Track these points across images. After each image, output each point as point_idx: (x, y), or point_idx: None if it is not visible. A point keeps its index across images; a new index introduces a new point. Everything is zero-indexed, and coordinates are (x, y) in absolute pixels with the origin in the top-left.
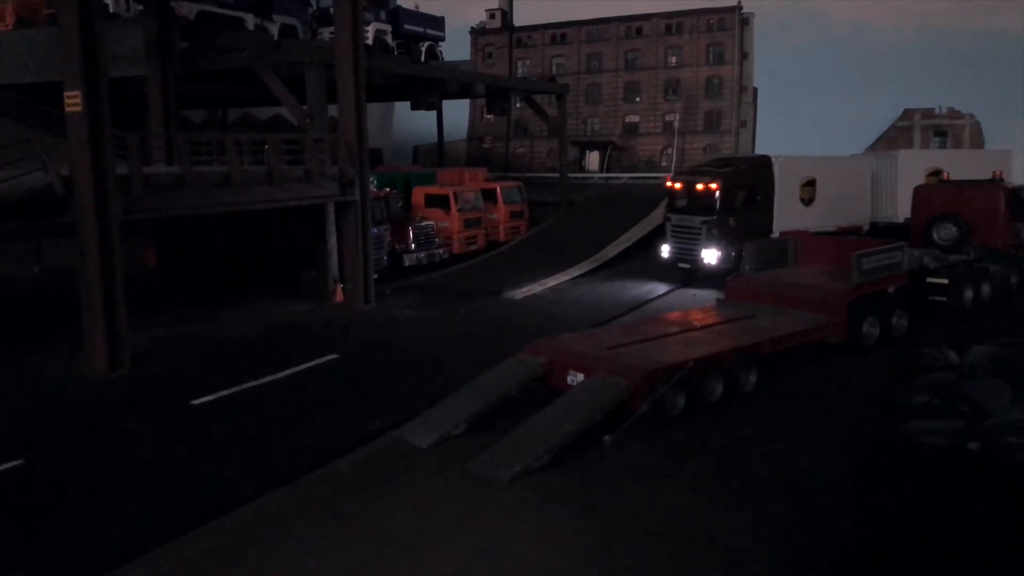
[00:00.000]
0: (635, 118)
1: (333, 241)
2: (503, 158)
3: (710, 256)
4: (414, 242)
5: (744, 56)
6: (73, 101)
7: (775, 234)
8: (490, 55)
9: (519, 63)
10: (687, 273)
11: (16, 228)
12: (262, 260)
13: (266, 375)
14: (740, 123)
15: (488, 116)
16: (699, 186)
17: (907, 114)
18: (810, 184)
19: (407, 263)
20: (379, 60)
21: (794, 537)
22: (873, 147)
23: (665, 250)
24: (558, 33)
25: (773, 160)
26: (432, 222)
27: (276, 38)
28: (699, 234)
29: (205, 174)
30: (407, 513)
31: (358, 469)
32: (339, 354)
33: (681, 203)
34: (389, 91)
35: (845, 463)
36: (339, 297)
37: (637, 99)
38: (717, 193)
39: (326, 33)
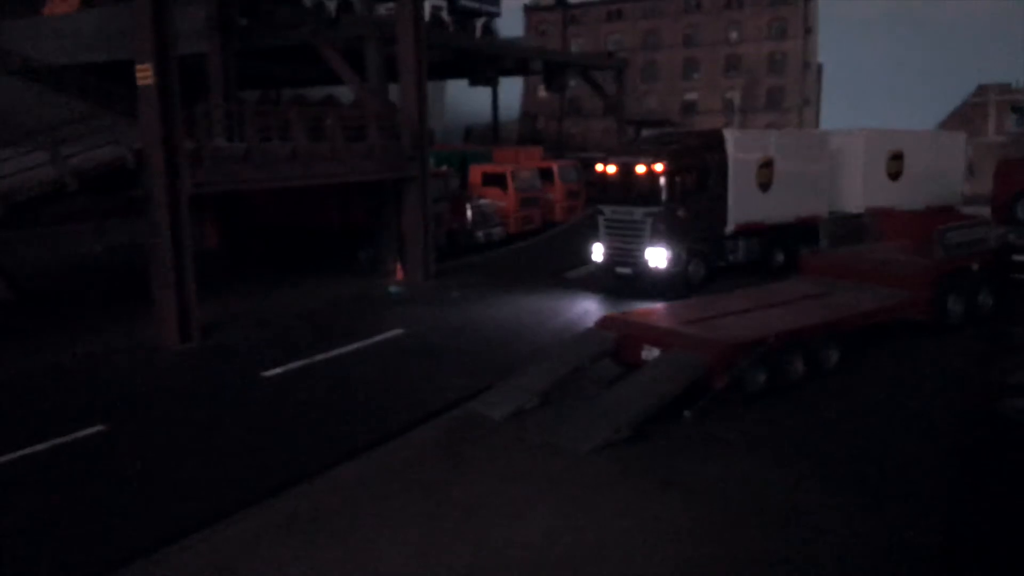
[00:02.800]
0: (694, 96)
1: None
2: (556, 138)
3: (657, 258)
4: (471, 220)
5: (808, 31)
6: (144, 74)
7: (729, 227)
8: (544, 32)
9: (573, 40)
10: (626, 280)
11: (89, 203)
12: (321, 238)
13: (333, 349)
14: (803, 100)
15: (541, 95)
16: (639, 168)
17: (981, 90)
18: (767, 165)
19: (464, 242)
20: (439, 34)
21: (885, 515)
22: (944, 125)
23: (598, 251)
24: (614, 9)
25: (726, 135)
26: (489, 201)
27: (334, 14)
28: (642, 230)
29: (271, 149)
30: (488, 484)
31: (435, 440)
32: (404, 329)
33: (617, 190)
34: (445, 68)
35: (935, 442)
36: (399, 274)
37: (696, 76)
38: (662, 177)
39: (382, 9)
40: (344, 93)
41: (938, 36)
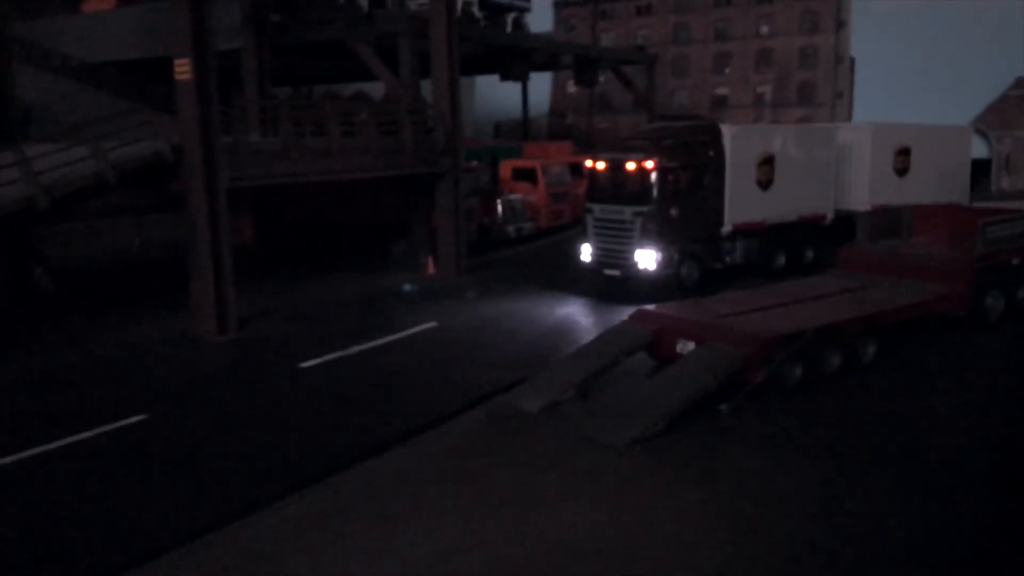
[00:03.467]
0: (724, 90)
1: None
2: (585, 133)
3: (646, 259)
4: (502, 216)
5: (840, 24)
6: (183, 69)
7: (726, 228)
8: (573, 27)
9: (603, 35)
10: (615, 282)
11: (127, 198)
12: (354, 233)
13: (368, 341)
14: (836, 94)
15: (570, 90)
16: (630, 165)
17: (1020, 83)
18: (767, 162)
19: (495, 237)
20: (471, 30)
21: (930, 507)
22: (981, 119)
23: (586, 251)
24: (644, 3)
25: (723, 130)
26: (520, 196)
27: (367, 10)
28: (631, 230)
29: (306, 144)
30: (525, 475)
31: (471, 432)
32: (438, 322)
33: (606, 189)
34: (476, 63)
35: (973, 437)
36: (431, 269)
37: (726, 71)
38: (654, 174)
39: (414, 4)
40: (375, 89)
41: (975, 28)
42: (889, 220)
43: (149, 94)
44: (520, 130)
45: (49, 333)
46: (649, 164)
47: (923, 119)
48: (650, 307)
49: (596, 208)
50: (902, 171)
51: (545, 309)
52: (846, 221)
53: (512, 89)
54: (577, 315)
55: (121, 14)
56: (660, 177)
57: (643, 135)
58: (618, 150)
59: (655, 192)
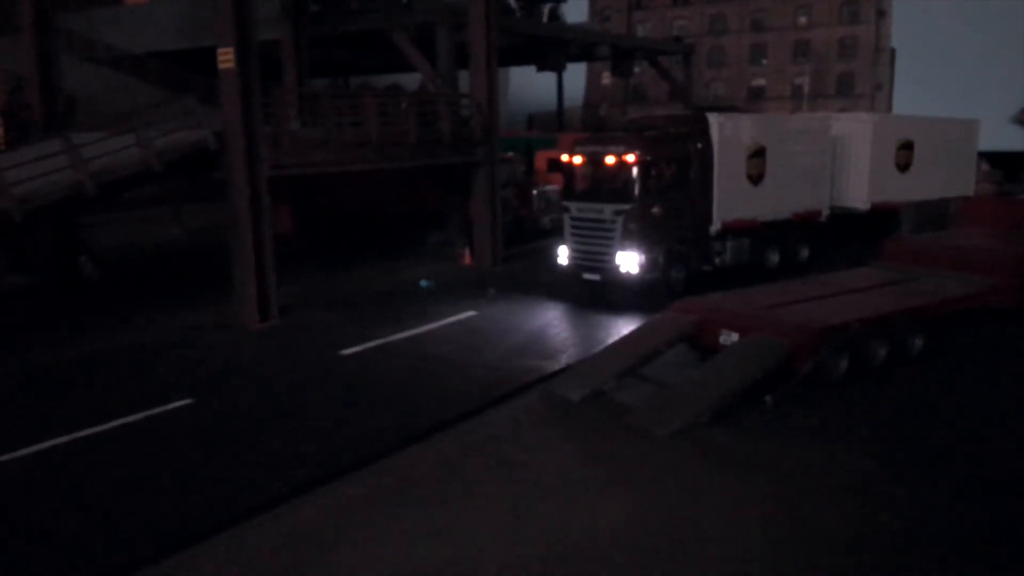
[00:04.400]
0: (761, 82)
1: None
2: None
3: (628, 262)
4: (537, 207)
5: (881, 14)
6: (226, 57)
7: (715, 226)
8: (608, 18)
9: (638, 26)
10: (594, 286)
11: (168, 188)
12: (390, 223)
13: (408, 329)
14: (875, 86)
15: (605, 81)
16: (609, 159)
17: None
18: (758, 155)
19: (530, 228)
20: (509, 20)
21: (980, 503)
22: None
23: (563, 253)
24: None
25: (711, 120)
26: (555, 187)
27: (406, 0)
28: (612, 230)
29: (346, 134)
30: (569, 464)
31: (514, 419)
32: (476, 311)
33: (584, 185)
34: (511, 54)
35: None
36: (467, 259)
37: (764, 62)
38: (635, 168)
39: None
40: (408, 81)
41: (1020, 18)
42: (936, 211)
43: (192, 84)
44: (554, 121)
45: (94, 319)
46: (630, 157)
47: (965, 112)
48: (692, 298)
49: (573, 207)
50: (904, 166)
51: (585, 298)
52: (843, 220)
53: (545, 81)
54: (616, 302)
55: (162, 5)
56: (642, 172)
57: (624, 126)
58: (597, 143)
59: (637, 188)
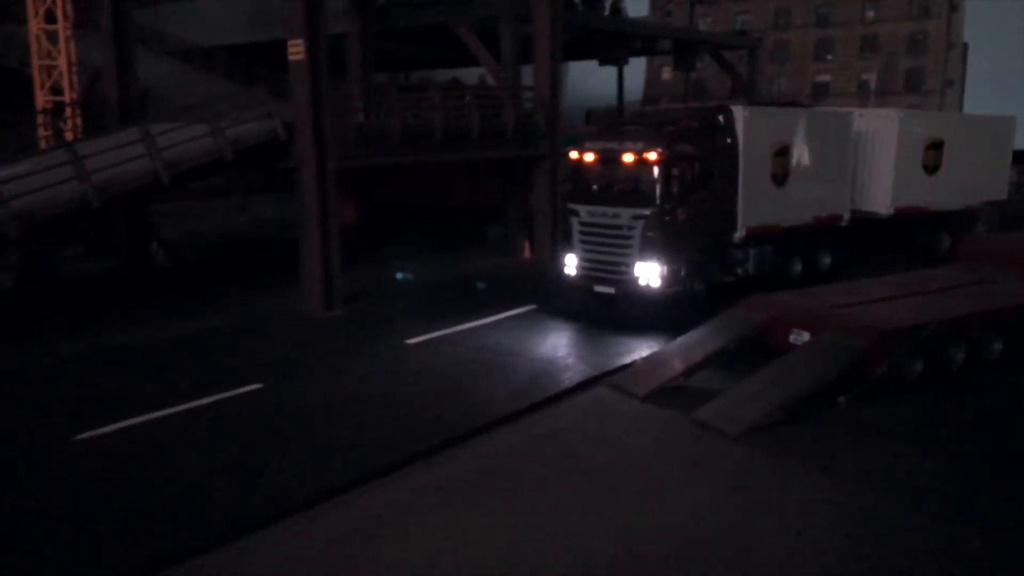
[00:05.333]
0: (826, 78)
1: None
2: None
3: (649, 273)
4: None
5: (953, 8)
6: (297, 50)
7: (739, 232)
8: (669, 13)
9: (700, 21)
10: (608, 301)
11: (234, 179)
12: (451, 216)
13: (470, 320)
14: (946, 83)
15: (665, 77)
16: (627, 156)
17: None
18: (782, 153)
19: None
20: (573, 14)
21: None
22: None
23: (570, 263)
24: None
25: (735, 112)
26: None
27: None
28: (630, 237)
29: (413, 126)
30: (637, 460)
31: (580, 413)
32: (538, 304)
33: (597, 186)
34: (573, 48)
35: None
36: (527, 252)
37: (829, 57)
38: (658, 167)
39: None
40: (467, 77)
41: None
42: (1016, 211)
43: (259, 77)
44: (613, 116)
45: (165, 305)
46: (652, 155)
47: None
48: (760, 296)
49: (583, 210)
50: (932, 168)
51: None
52: (864, 225)
53: (603, 76)
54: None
55: (227, 0)
56: (665, 171)
57: (639, 118)
58: (612, 138)
59: (659, 190)
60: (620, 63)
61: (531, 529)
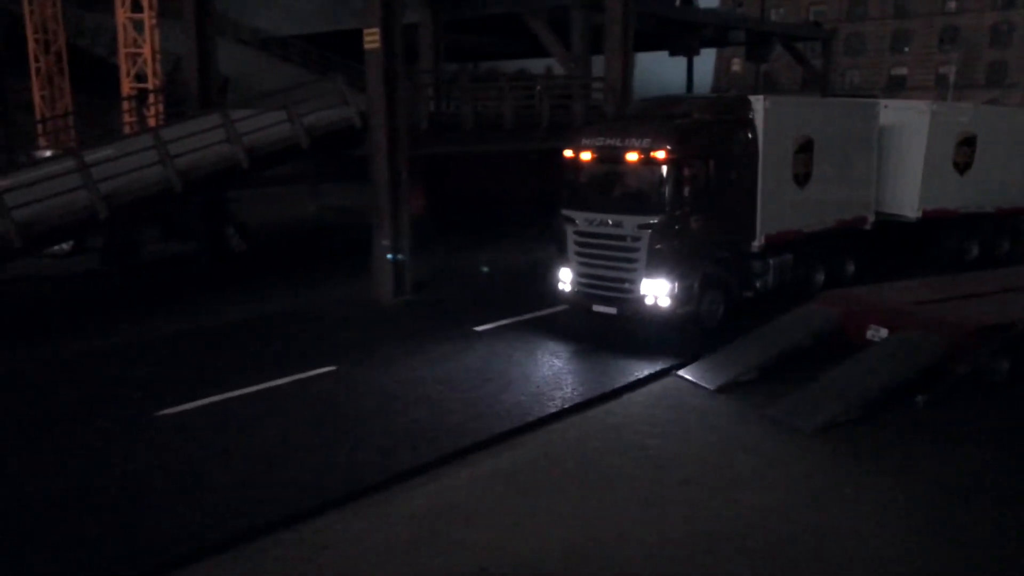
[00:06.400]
0: (902, 70)
1: None
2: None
3: (658, 292)
4: None
5: None
6: (372, 38)
7: (758, 241)
8: (740, 4)
9: (772, 11)
10: (609, 322)
11: (305, 167)
12: (519, 204)
13: (537, 309)
14: None
15: (734, 68)
16: (631, 155)
17: None
18: (805, 149)
19: None
20: (646, 3)
21: None
22: None
23: (566, 278)
24: None
25: (754, 103)
26: None
27: None
28: (635, 249)
29: (484, 116)
30: (708, 453)
31: (649, 404)
32: None
33: (595, 190)
34: (643, 39)
35: None
36: None
37: (906, 49)
38: (667, 168)
39: None
40: (535, 67)
41: None
42: None
43: (332, 66)
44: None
45: (240, 288)
46: (660, 153)
47: None
48: (837, 291)
49: (579, 218)
50: (964, 167)
51: None
52: (888, 230)
53: (670, 67)
54: None
55: None
56: (675, 172)
57: (645, 110)
58: (612, 133)
59: (669, 194)
60: (691, 54)
61: (601, 517)
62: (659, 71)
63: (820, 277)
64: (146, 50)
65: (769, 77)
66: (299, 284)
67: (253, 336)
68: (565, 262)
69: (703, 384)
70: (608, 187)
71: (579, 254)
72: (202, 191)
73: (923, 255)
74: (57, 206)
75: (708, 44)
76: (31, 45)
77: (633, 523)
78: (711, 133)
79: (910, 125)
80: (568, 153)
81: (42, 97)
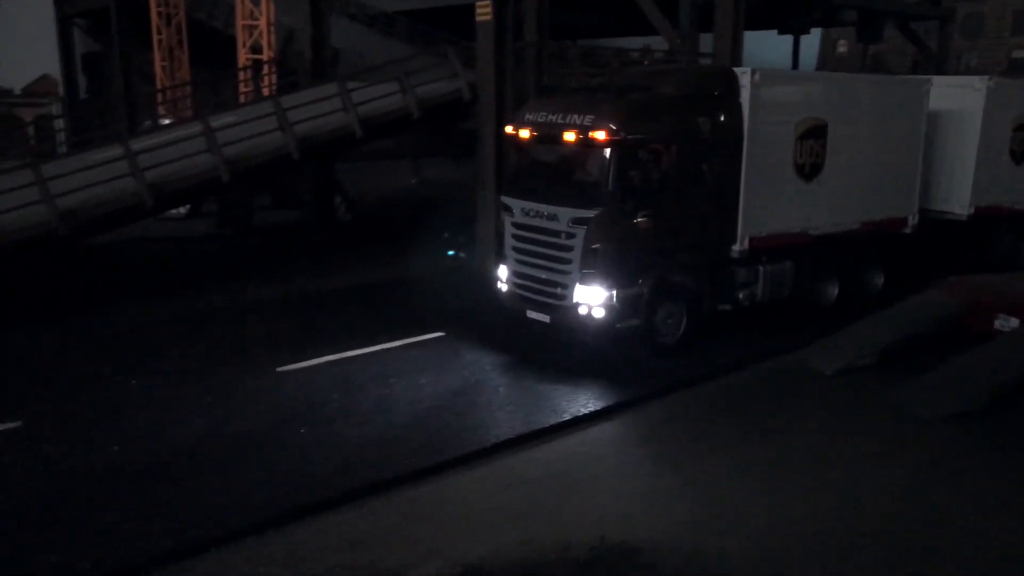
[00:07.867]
0: (1023, 53)
1: None
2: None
3: (592, 298)
4: None
5: None
6: (484, 10)
7: (739, 245)
8: None
9: None
10: (545, 330)
11: (408, 142)
12: None
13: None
14: None
15: (840, 50)
16: (568, 135)
17: None
18: (814, 134)
19: None
20: None
21: None
22: None
23: (503, 275)
24: None
25: (740, 77)
26: None
27: None
28: (570, 248)
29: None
30: (831, 437)
31: (760, 387)
32: None
33: (533, 174)
34: (750, 16)
35: None
36: None
37: None
38: (609, 152)
39: None
40: (633, 46)
41: None
42: None
43: (436, 41)
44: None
45: (350, 256)
46: (600, 134)
47: None
48: (961, 277)
49: (517, 207)
50: (1021, 155)
51: None
52: (933, 230)
53: (773, 47)
54: None
55: None
56: (619, 158)
57: (606, 82)
58: (555, 108)
59: (610, 184)
60: (801, 32)
61: (723, 492)
62: (763, 51)
63: (833, 290)
64: (262, 22)
65: (877, 58)
66: (405, 254)
67: (364, 301)
68: (502, 258)
69: (819, 368)
70: (547, 172)
71: (515, 249)
72: (317, 158)
73: (970, 259)
74: (182, 169)
75: (818, 24)
76: (154, 18)
77: (753, 498)
78: (674, 112)
79: (961, 106)
80: (508, 129)
81: (163, 68)
